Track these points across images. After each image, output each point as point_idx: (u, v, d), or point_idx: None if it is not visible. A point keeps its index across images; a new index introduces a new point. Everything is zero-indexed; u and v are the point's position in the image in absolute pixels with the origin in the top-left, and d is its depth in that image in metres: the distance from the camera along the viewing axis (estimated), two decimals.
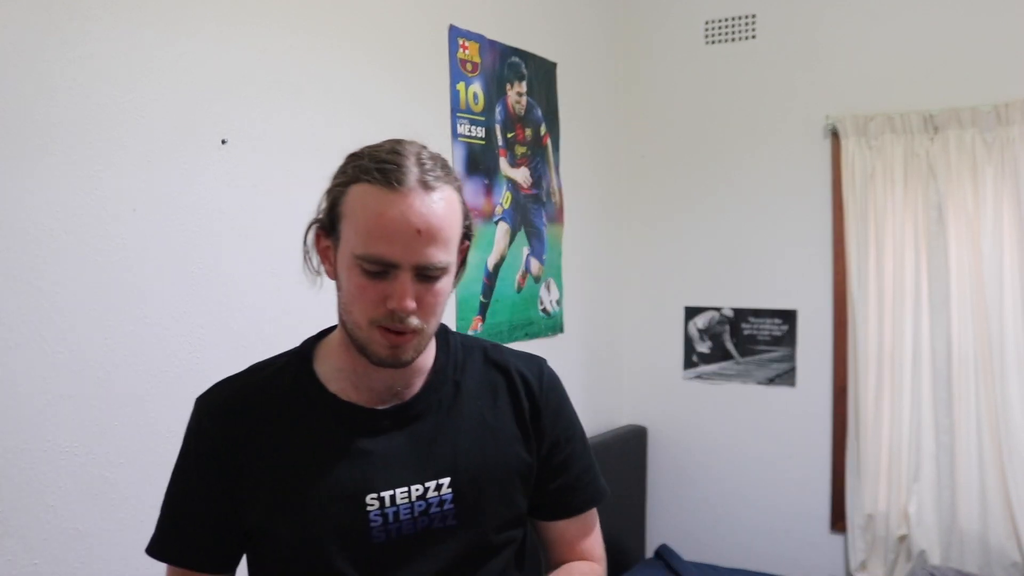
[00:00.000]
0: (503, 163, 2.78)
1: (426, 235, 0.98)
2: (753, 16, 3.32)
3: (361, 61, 2.21)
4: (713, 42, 3.40)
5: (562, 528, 1.21)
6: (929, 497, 2.98)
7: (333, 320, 1.19)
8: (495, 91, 2.74)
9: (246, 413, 1.08)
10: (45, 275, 1.51)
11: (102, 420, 1.61)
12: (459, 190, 1.05)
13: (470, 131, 2.62)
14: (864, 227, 3.08)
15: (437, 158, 1.04)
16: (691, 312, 3.47)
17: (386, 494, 1.05)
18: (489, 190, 2.71)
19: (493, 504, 1.12)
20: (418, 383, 1.11)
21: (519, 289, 2.86)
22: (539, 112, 2.98)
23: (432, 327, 1.05)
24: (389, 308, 0.99)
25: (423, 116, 2.42)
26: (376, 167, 0.99)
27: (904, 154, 3.02)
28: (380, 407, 1.09)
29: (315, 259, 1.09)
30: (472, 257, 1.17)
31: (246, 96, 1.88)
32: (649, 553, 3.49)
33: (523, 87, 2.88)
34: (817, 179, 3.23)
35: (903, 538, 3.02)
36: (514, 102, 2.84)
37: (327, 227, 1.05)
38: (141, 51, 1.66)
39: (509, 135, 2.81)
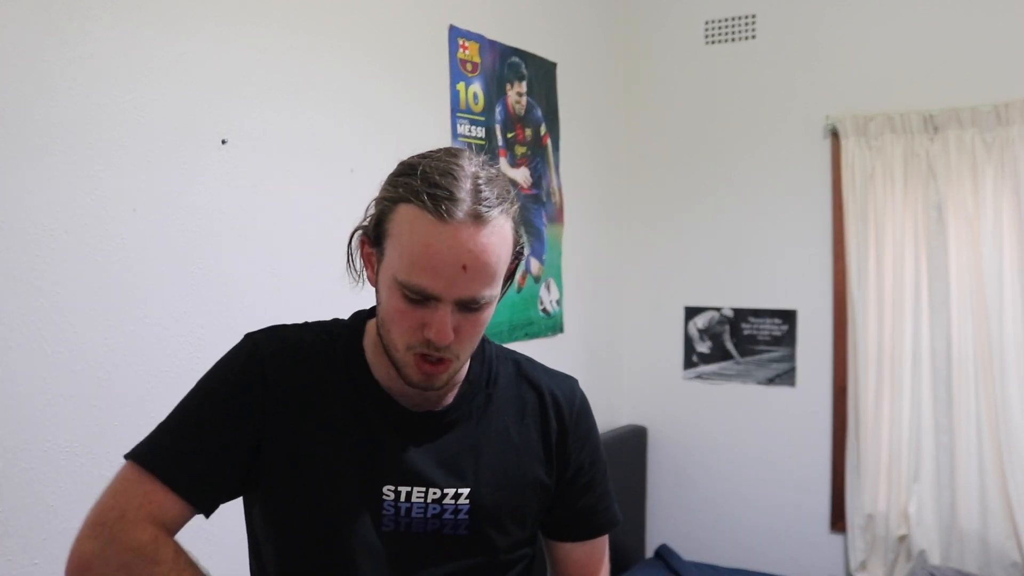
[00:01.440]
0: (503, 163, 2.78)
1: (471, 271, 0.95)
2: (753, 16, 3.32)
3: (361, 61, 2.21)
4: (713, 42, 3.40)
5: (571, 550, 1.20)
6: (929, 497, 2.98)
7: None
8: (495, 91, 2.74)
9: (301, 365, 1.07)
10: (45, 275, 1.51)
11: (102, 420, 1.61)
12: (514, 214, 1.00)
13: (470, 131, 2.62)
14: (864, 227, 3.08)
15: (495, 179, 0.98)
16: (691, 312, 3.47)
17: (403, 489, 1.05)
18: None
19: (506, 522, 1.10)
20: (452, 392, 1.10)
21: (519, 289, 2.86)
22: (539, 112, 2.98)
23: (468, 354, 1.04)
24: (426, 337, 0.97)
25: (423, 116, 2.42)
26: (428, 191, 0.93)
27: (904, 154, 3.02)
28: (415, 410, 1.08)
29: (358, 263, 1.07)
30: None
31: (246, 96, 1.88)
32: (649, 553, 3.49)
33: (523, 87, 2.88)
34: (817, 179, 3.23)
35: (903, 538, 3.02)
36: (514, 102, 2.84)
37: (372, 238, 1.01)
38: (141, 51, 1.66)
39: (509, 135, 2.81)
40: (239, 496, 1.10)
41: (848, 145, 3.10)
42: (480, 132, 2.67)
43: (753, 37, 3.32)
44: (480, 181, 0.96)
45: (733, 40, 3.36)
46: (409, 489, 1.05)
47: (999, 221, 2.89)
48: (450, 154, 0.99)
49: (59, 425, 1.54)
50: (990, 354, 2.87)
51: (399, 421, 1.07)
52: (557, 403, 1.17)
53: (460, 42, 2.58)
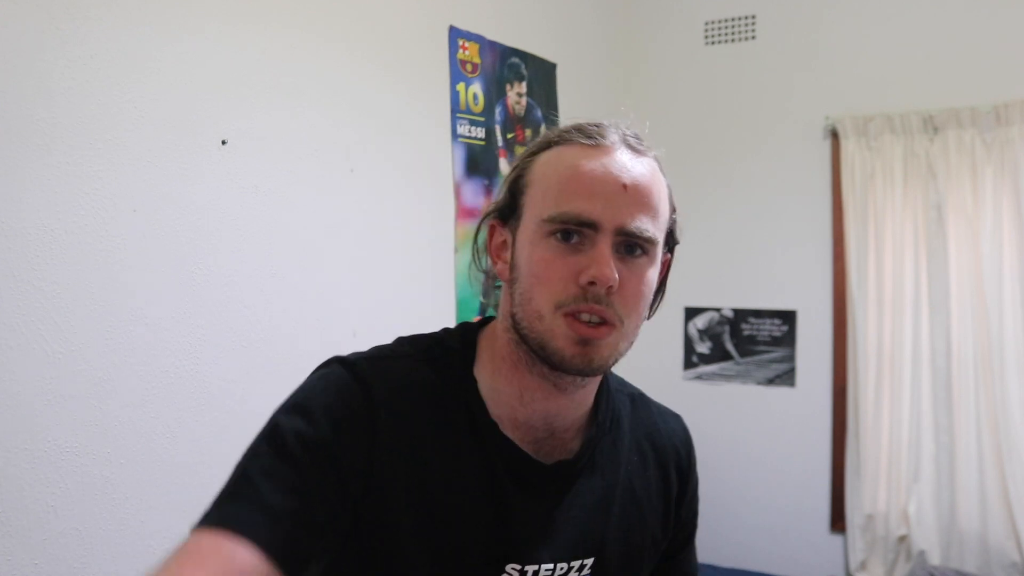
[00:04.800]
0: (503, 164, 2.78)
1: (633, 192, 0.82)
2: (753, 17, 3.32)
3: (361, 61, 2.21)
4: (713, 43, 3.40)
5: None
6: (929, 497, 2.98)
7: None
8: (495, 92, 2.74)
9: (413, 410, 0.85)
10: (45, 275, 1.51)
11: (102, 420, 1.61)
12: (666, 181, 0.88)
13: (470, 132, 2.62)
14: (864, 227, 3.08)
15: (641, 138, 0.89)
16: (691, 312, 3.47)
17: (530, 568, 0.87)
18: (489, 191, 2.71)
19: None
20: (578, 429, 0.92)
21: None
22: (539, 113, 2.98)
23: (632, 331, 0.87)
24: (583, 283, 0.80)
25: (423, 116, 2.42)
26: (574, 128, 0.86)
27: (904, 154, 3.03)
28: (543, 460, 0.88)
29: (485, 262, 0.93)
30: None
31: (246, 96, 1.88)
32: None
33: (523, 87, 2.88)
34: (817, 179, 3.23)
35: (903, 538, 3.02)
36: (514, 103, 2.84)
37: (506, 211, 0.88)
38: (141, 51, 1.66)
39: (509, 136, 2.81)
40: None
41: (848, 145, 3.10)
42: (480, 133, 2.67)
43: (753, 38, 3.33)
44: (628, 132, 0.88)
45: (733, 41, 3.36)
46: (536, 567, 0.87)
47: (999, 221, 2.89)
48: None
49: (59, 425, 1.54)
50: (990, 354, 2.87)
51: (527, 477, 0.87)
52: (677, 452, 1.01)
53: (460, 42, 2.58)
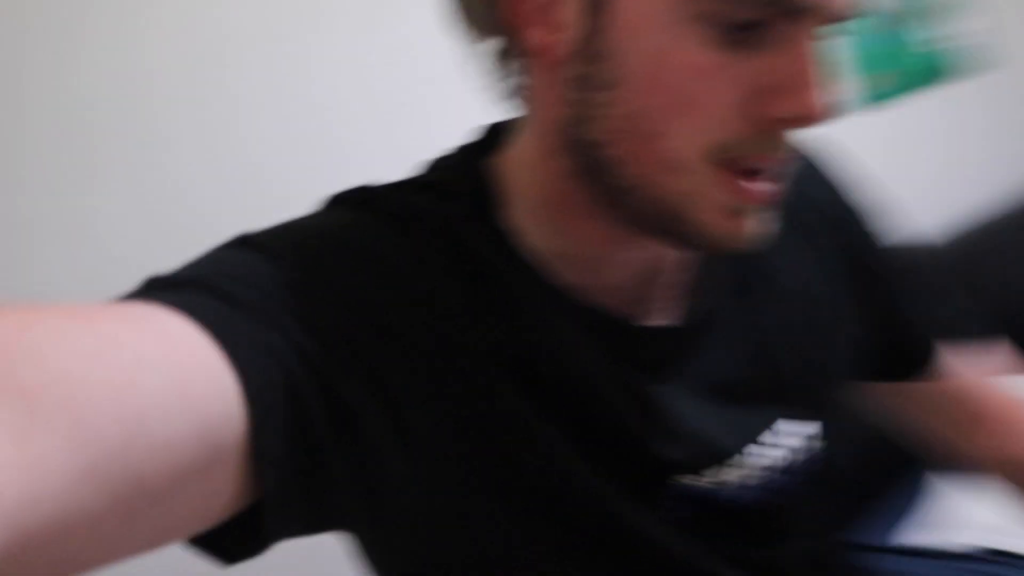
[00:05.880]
0: None
1: None
2: None
3: None
4: None
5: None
6: None
7: None
8: None
9: (395, 325, 0.46)
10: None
11: None
12: None
13: None
14: None
15: None
16: None
17: (708, 473, 0.51)
18: None
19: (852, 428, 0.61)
20: (691, 261, 0.54)
21: None
22: None
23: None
24: (775, 117, 0.42)
25: None
26: None
27: None
28: (649, 323, 0.52)
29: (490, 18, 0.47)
30: None
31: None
32: None
33: None
34: None
35: None
36: None
37: None
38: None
39: None
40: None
41: None
42: None
43: None
44: None
45: None
46: (714, 468, 0.52)
47: None
48: None
49: None
50: None
51: (636, 353, 0.50)
52: (816, 202, 0.62)
53: None
